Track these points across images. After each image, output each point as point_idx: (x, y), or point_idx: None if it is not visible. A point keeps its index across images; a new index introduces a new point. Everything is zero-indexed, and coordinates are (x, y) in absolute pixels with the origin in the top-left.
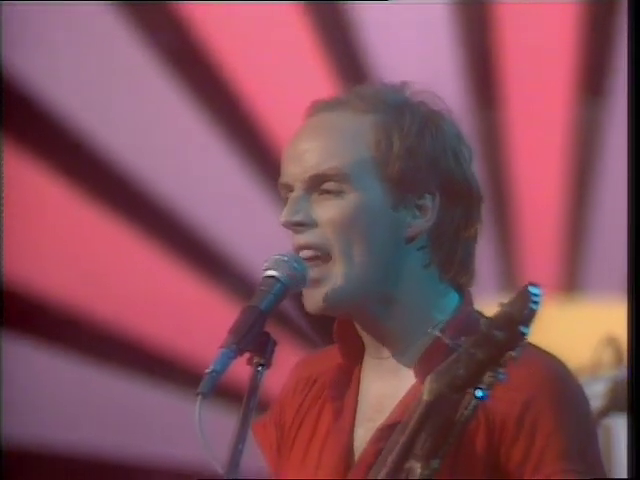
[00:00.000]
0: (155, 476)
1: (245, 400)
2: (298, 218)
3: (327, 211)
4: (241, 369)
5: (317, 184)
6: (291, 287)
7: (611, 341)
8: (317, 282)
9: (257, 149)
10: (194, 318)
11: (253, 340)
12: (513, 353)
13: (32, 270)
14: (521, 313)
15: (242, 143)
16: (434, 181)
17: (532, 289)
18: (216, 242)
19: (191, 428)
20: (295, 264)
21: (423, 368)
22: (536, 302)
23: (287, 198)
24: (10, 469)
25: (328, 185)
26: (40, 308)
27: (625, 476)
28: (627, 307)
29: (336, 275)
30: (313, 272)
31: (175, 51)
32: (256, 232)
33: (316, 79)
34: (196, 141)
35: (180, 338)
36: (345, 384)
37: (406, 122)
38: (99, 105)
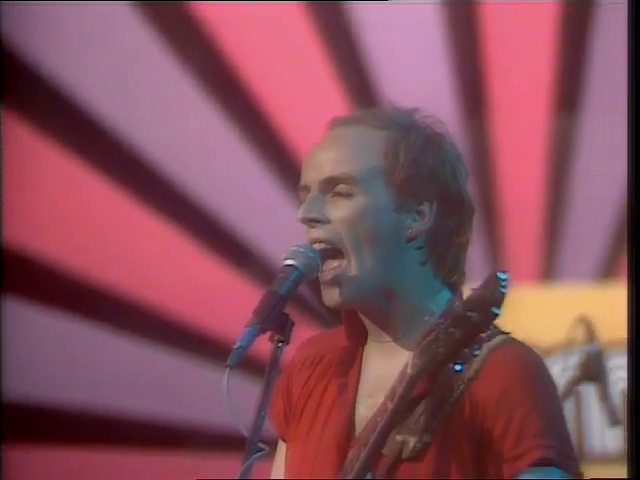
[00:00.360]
0: (175, 435)
1: (267, 372)
2: (313, 215)
3: (339, 210)
4: (263, 346)
5: (331, 186)
6: (306, 274)
7: (583, 320)
8: (334, 281)
9: (277, 149)
10: (219, 300)
11: (274, 320)
12: (487, 331)
13: (34, 232)
14: (492, 296)
15: (262, 140)
16: (433, 191)
17: (501, 275)
18: (243, 236)
19: (203, 394)
20: (310, 254)
21: (425, 358)
22: (505, 286)
23: (302, 197)
24: (11, 427)
25: (340, 188)
26: (44, 271)
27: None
28: (628, 308)
29: (350, 273)
30: (329, 273)
31: (189, 43)
32: (277, 227)
33: (324, 81)
34: (209, 129)
35: (206, 317)
36: (349, 364)
37: (412, 138)
38: (103, 79)
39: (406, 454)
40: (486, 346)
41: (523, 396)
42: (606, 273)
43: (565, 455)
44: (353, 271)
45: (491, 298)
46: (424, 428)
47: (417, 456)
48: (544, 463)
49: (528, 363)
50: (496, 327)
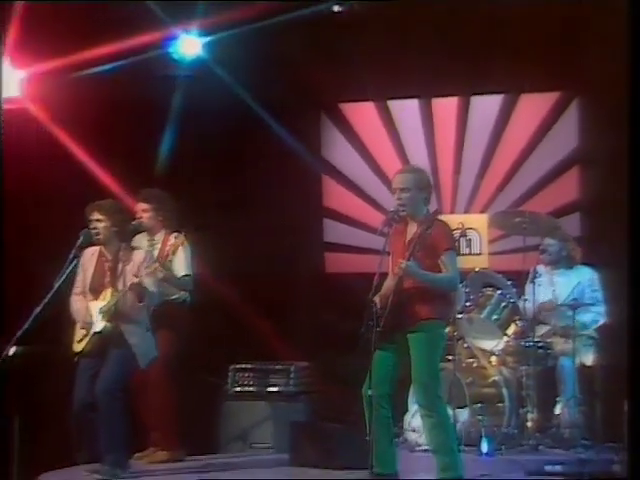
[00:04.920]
0: None
1: (385, 240)
2: (401, 202)
3: (407, 196)
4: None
5: (403, 189)
6: (395, 213)
7: (460, 224)
8: (404, 212)
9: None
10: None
11: (387, 224)
12: (437, 219)
13: None
14: (436, 213)
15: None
16: (430, 186)
17: (437, 212)
18: (380, 203)
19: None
20: (399, 208)
21: (420, 227)
22: (439, 214)
23: (395, 192)
24: None
25: (405, 189)
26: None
27: None
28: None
29: (408, 210)
30: (402, 211)
31: None
32: (387, 201)
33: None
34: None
35: (373, 222)
36: (403, 231)
37: (423, 175)
38: None
39: (415, 251)
40: (434, 221)
41: (445, 233)
42: (467, 210)
43: (455, 249)
44: (409, 210)
45: (436, 214)
46: (416, 248)
47: (418, 252)
48: (448, 249)
49: (447, 225)
50: (440, 220)
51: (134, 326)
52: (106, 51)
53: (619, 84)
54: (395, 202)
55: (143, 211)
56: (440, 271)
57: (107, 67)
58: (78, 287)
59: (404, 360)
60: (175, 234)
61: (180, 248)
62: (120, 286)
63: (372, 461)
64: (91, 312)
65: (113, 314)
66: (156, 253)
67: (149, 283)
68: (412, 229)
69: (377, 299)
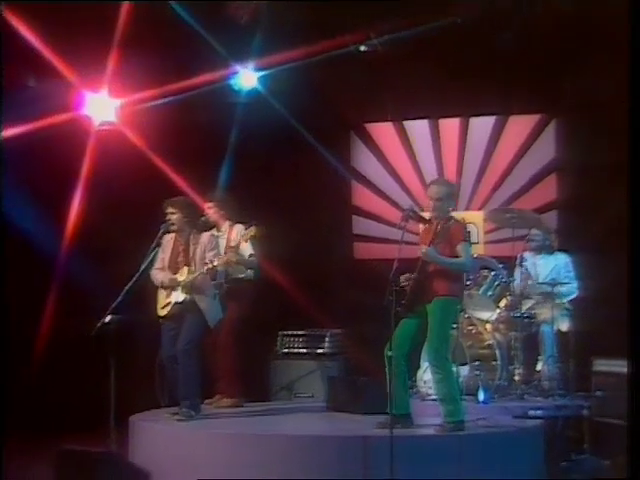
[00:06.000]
0: None
1: (402, 233)
2: (434, 208)
3: (439, 205)
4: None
5: (435, 198)
6: (412, 210)
7: (460, 216)
8: (435, 217)
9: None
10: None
11: (406, 218)
12: (454, 217)
13: None
14: (451, 217)
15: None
16: (453, 193)
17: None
18: (398, 203)
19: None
20: (411, 206)
21: (438, 222)
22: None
23: (430, 199)
24: None
25: (437, 199)
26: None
27: None
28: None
29: (437, 211)
30: (434, 216)
31: None
32: (404, 200)
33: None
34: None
35: (393, 218)
36: (430, 228)
37: (448, 185)
38: None
39: (436, 242)
40: (452, 219)
41: (461, 229)
42: (467, 208)
43: (468, 240)
44: (438, 215)
45: (451, 218)
46: (436, 236)
47: (439, 236)
48: (464, 240)
49: (462, 222)
50: (455, 219)
51: (204, 296)
52: (182, 84)
53: (589, 108)
54: (429, 208)
55: (209, 208)
56: (457, 257)
57: (182, 96)
58: (160, 264)
59: (421, 328)
60: (240, 225)
61: (249, 237)
62: (192, 264)
63: (391, 406)
64: (171, 284)
65: (190, 288)
66: (222, 241)
67: (220, 267)
68: (436, 225)
69: (403, 279)
